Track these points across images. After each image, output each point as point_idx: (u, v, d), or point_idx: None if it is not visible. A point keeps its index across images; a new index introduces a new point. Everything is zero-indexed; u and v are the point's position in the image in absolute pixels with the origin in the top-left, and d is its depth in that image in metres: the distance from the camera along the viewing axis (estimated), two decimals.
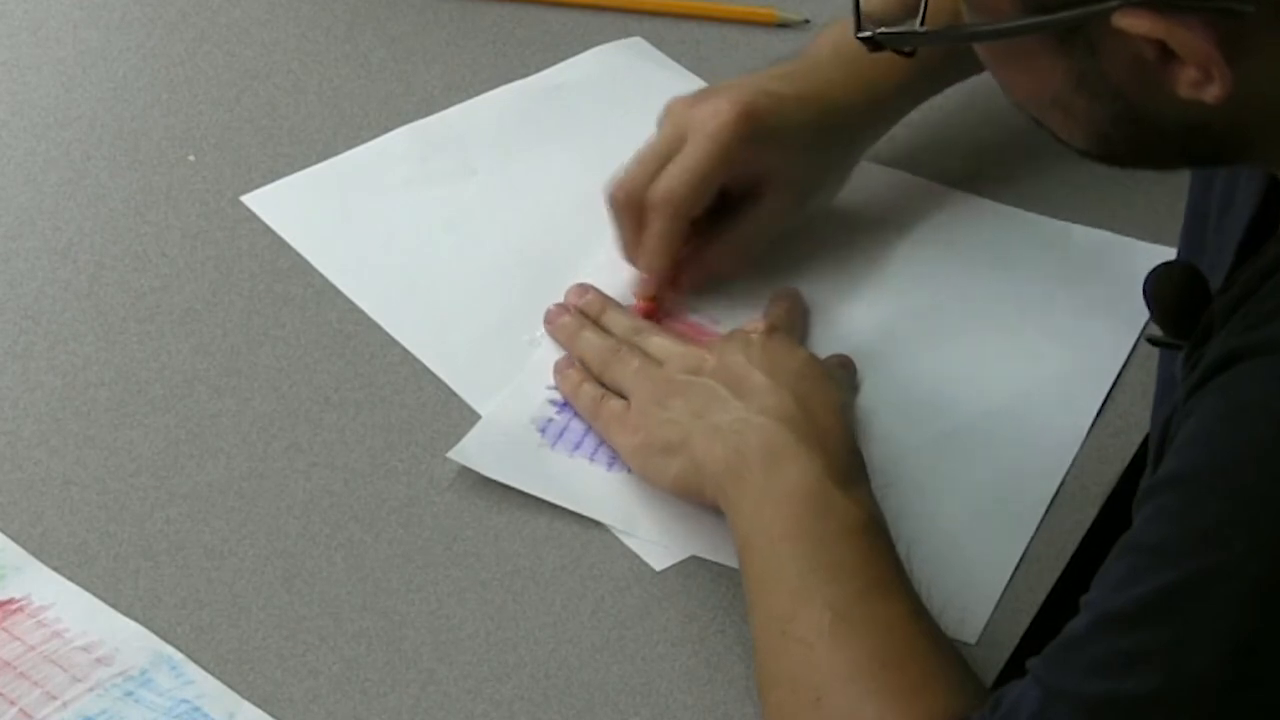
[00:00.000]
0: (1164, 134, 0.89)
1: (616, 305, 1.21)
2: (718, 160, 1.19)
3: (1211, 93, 0.84)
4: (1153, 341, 1.03)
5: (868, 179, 1.29)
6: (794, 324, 1.20)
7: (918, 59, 1.09)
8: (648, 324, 1.20)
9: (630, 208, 1.21)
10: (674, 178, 1.19)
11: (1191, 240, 1.05)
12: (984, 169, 1.32)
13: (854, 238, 1.28)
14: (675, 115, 1.22)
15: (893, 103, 1.26)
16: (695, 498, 1.09)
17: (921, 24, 0.92)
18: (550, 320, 1.21)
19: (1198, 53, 0.83)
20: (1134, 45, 0.84)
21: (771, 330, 1.14)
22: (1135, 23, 0.83)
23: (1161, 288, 0.99)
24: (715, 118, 1.19)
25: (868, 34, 0.94)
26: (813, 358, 1.13)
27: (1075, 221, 1.29)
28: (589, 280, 1.23)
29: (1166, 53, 0.84)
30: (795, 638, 0.99)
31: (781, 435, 1.06)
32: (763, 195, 1.22)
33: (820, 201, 1.26)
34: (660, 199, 1.19)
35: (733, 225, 1.23)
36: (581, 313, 1.21)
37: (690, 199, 1.20)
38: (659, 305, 1.22)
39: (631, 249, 1.22)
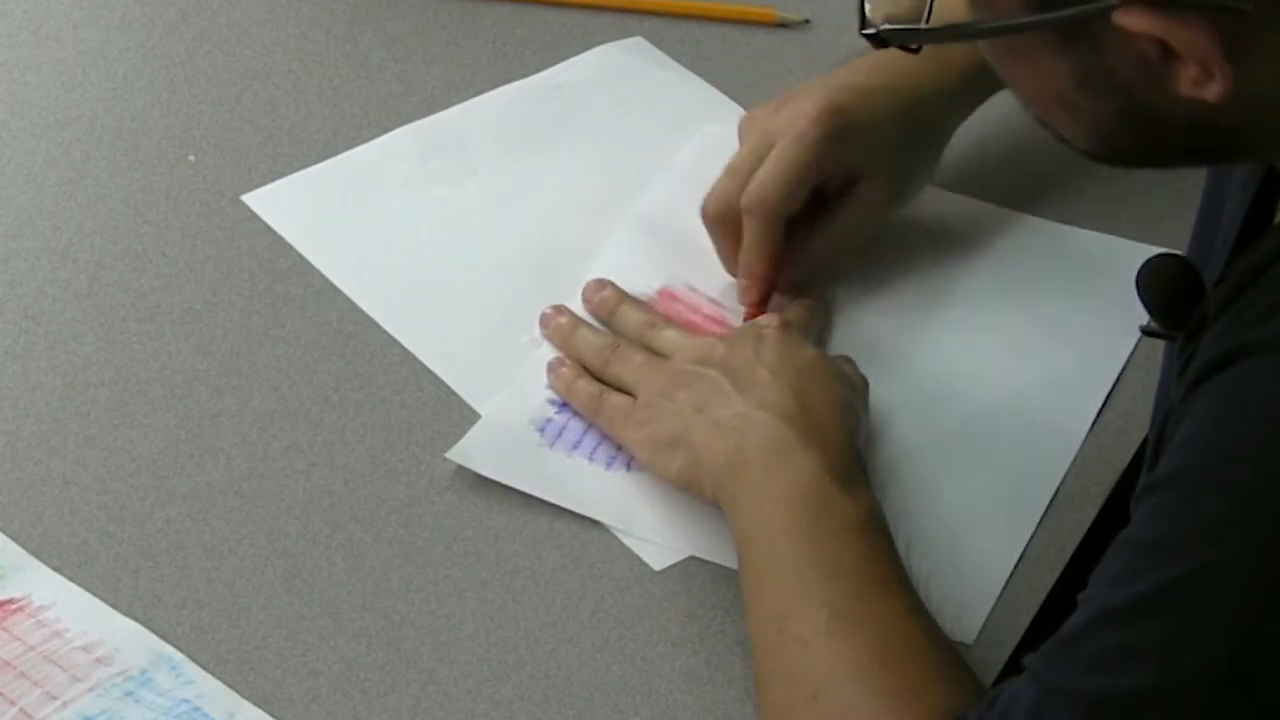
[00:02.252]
0: (1168, 131, 0.89)
1: (631, 299, 1.22)
2: (807, 160, 1.19)
3: (1213, 91, 0.84)
4: (1147, 332, 1.03)
5: None
6: (810, 323, 1.20)
7: None
8: (660, 318, 1.20)
9: (724, 219, 1.21)
10: (765, 182, 1.19)
11: (1202, 238, 1.05)
12: (985, 174, 1.32)
13: (839, 264, 1.27)
14: (758, 123, 1.22)
15: (975, 87, 1.25)
16: (696, 492, 1.09)
17: (927, 21, 0.93)
18: (545, 323, 1.21)
19: (1198, 50, 0.83)
20: (1136, 43, 0.84)
21: (784, 326, 1.14)
22: (1135, 20, 0.83)
23: (1154, 280, 0.99)
24: (800, 118, 1.20)
25: (872, 31, 0.94)
26: (820, 355, 1.13)
27: (1076, 224, 1.29)
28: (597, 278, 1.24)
29: (1168, 51, 0.84)
30: (792, 635, 0.99)
31: (781, 432, 1.06)
32: (857, 189, 1.22)
33: (914, 188, 1.26)
34: (753, 203, 1.19)
35: (831, 222, 1.23)
36: (581, 311, 1.21)
37: (783, 201, 1.20)
38: (764, 310, 1.22)
39: (730, 260, 1.22)
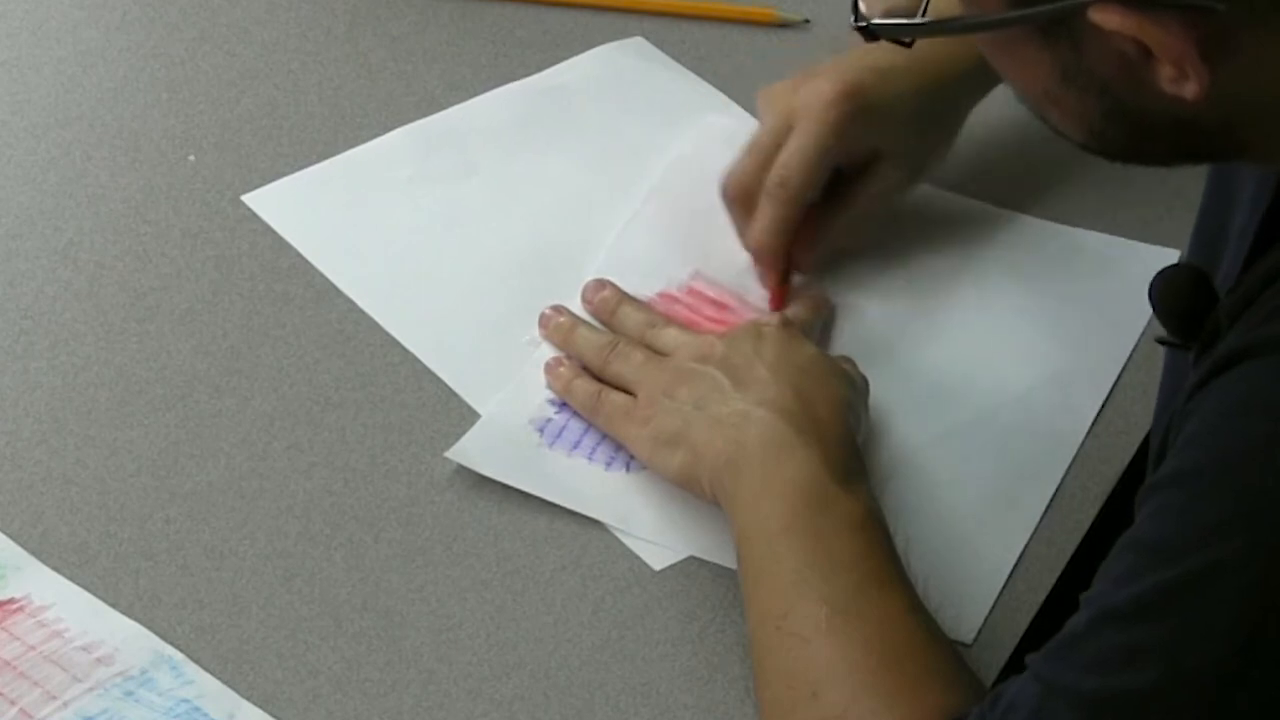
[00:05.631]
0: (1155, 128, 0.90)
1: (631, 299, 1.22)
2: (828, 143, 1.20)
3: (1189, 90, 0.84)
4: (1161, 342, 1.03)
5: None
6: (812, 322, 1.20)
7: None
8: (661, 318, 1.20)
9: (744, 199, 1.22)
10: (787, 165, 1.20)
11: (1205, 243, 1.05)
12: (985, 175, 1.32)
13: (857, 241, 1.27)
14: (778, 102, 1.23)
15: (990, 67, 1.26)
16: (695, 490, 1.09)
17: (923, 15, 0.93)
18: (544, 323, 1.21)
19: (1171, 49, 0.83)
20: (1113, 41, 0.85)
21: (784, 324, 1.14)
22: (1109, 18, 0.83)
23: (1166, 291, 0.99)
24: (819, 99, 1.20)
25: (863, 24, 0.94)
26: (820, 353, 1.14)
27: (1076, 225, 1.29)
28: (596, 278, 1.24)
29: (1145, 49, 0.84)
30: (790, 633, 0.99)
31: (780, 429, 1.06)
32: (875, 169, 1.23)
33: (931, 166, 1.27)
34: (775, 187, 1.20)
35: (848, 201, 1.24)
36: (581, 311, 1.21)
37: (805, 185, 1.21)
38: (786, 291, 1.23)
39: (749, 238, 1.23)
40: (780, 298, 1.23)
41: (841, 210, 1.24)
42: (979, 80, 1.26)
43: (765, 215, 1.21)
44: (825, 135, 1.20)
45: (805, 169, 1.20)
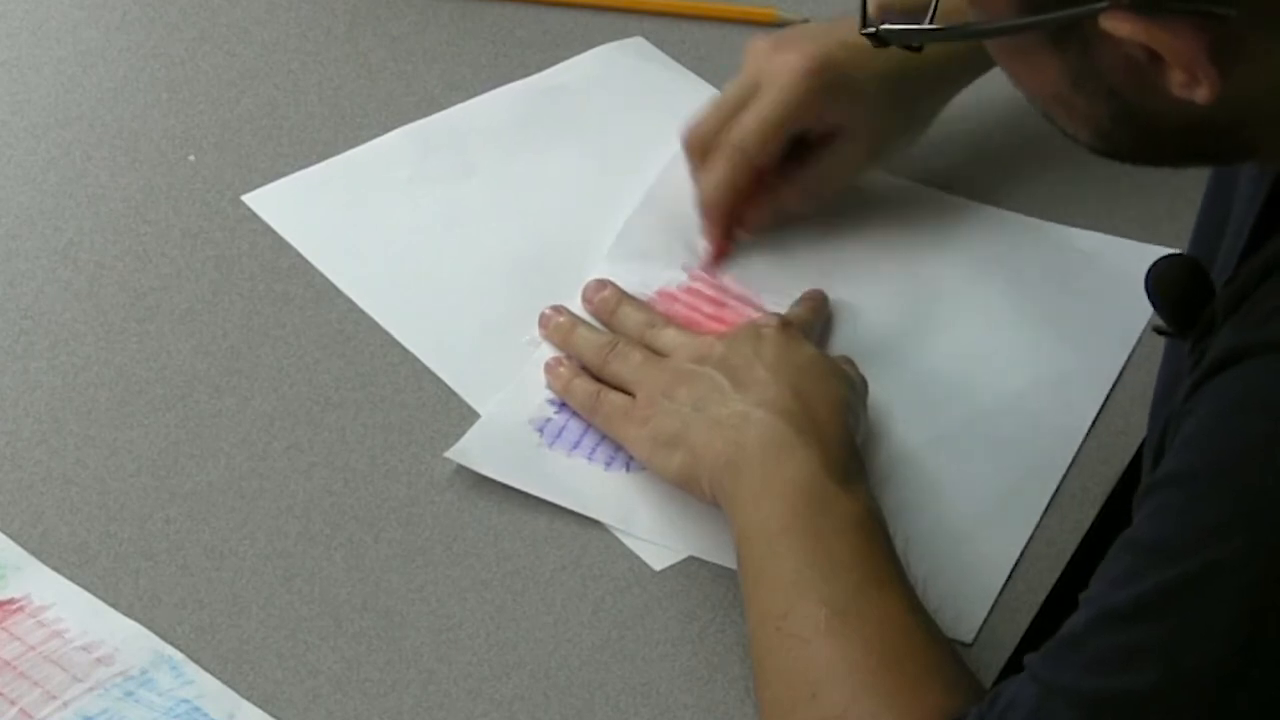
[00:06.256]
0: (1164, 132, 0.90)
1: (631, 299, 1.22)
2: (789, 113, 1.22)
3: (1201, 95, 0.84)
4: (1158, 331, 1.03)
5: (870, 186, 1.29)
6: (811, 323, 1.20)
7: None
8: (660, 318, 1.20)
9: (700, 151, 1.24)
10: (745, 128, 1.22)
11: (1205, 236, 1.05)
12: (985, 176, 1.32)
13: (856, 241, 1.28)
14: (753, 61, 1.24)
15: (974, 58, 1.26)
16: (695, 491, 1.09)
17: (931, 20, 0.93)
18: (544, 323, 1.21)
19: (1182, 55, 0.84)
20: (1125, 47, 0.85)
21: (784, 325, 1.14)
22: (1119, 25, 0.84)
23: (1163, 281, 0.99)
24: (788, 70, 1.22)
25: (872, 30, 0.95)
26: (820, 354, 1.14)
27: (1075, 225, 1.29)
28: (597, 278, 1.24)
29: (1155, 54, 0.84)
30: (791, 633, 0.99)
31: (779, 429, 1.06)
32: (836, 143, 1.24)
33: (895, 151, 1.28)
34: (730, 147, 1.22)
35: (804, 170, 1.25)
36: (581, 311, 1.21)
37: (759, 150, 1.22)
38: (727, 247, 1.25)
39: (698, 191, 1.25)
40: (720, 253, 1.25)
41: (797, 179, 1.25)
42: (956, 73, 1.27)
43: (717, 172, 1.23)
44: (787, 106, 1.21)
45: (762, 135, 1.22)
